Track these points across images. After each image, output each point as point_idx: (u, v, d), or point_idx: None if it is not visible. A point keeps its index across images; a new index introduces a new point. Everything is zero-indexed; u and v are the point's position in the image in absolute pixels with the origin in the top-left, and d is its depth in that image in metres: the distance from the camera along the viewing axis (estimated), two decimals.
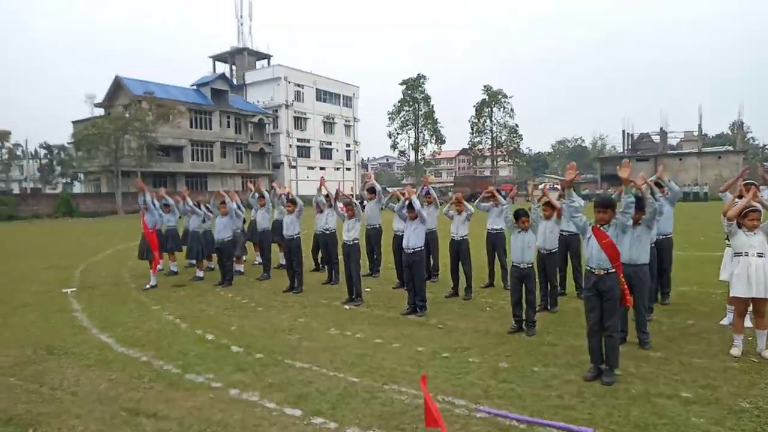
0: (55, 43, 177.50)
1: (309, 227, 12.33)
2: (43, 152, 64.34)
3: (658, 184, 7.23)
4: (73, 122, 53.27)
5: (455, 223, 8.80)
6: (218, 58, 68.43)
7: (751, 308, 5.56)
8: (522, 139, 69.76)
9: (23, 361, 5.86)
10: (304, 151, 65.01)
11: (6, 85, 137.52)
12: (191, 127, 52.62)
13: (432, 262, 10.13)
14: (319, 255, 11.32)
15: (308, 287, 9.71)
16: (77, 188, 57.19)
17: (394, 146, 68.44)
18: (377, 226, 10.71)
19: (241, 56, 66.62)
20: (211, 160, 54.76)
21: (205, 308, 8.32)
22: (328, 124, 68.26)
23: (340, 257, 9.11)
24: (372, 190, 10.54)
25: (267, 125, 60.54)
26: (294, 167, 62.92)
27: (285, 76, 62.07)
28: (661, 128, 61.07)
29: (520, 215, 6.58)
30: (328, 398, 4.61)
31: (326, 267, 10.70)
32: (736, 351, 5.43)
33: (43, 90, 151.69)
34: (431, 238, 9.57)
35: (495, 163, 71.71)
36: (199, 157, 53.82)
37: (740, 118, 63.79)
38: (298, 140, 64.15)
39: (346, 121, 70.70)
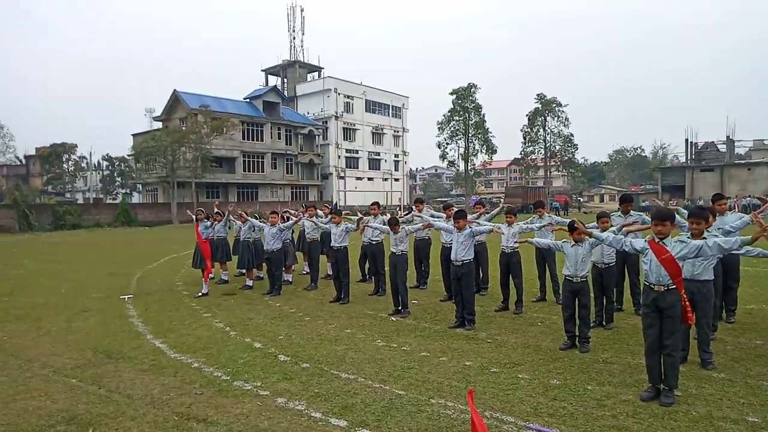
0: (118, 60, 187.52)
1: (357, 238, 12.40)
2: (105, 164, 67.97)
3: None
4: (133, 135, 55.97)
5: (505, 235, 8.63)
6: (270, 71, 70.38)
7: None
8: (577, 148, 67.94)
9: (84, 364, 6.13)
10: (352, 162, 65.70)
11: (71, 101, 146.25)
12: (243, 138, 54.18)
13: (481, 274, 9.96)
14: (366, 266, 11.35)
15: (355, 298, 9.73)
16: (135, 198, 59.95)
17: (443, 156, 68.07)
18: (426, 237, 10.63)
19: (293, 69, 68.27)
20: (262, 171, 56.15)
21: (253, 317, 8.47)
22: (377, 135, 68.77)
23: (387, 268, 9.09)
24: (419, 201, 10.51)
25: (317, 136, 61.61)
26: (342, 178, 63.67)
27: (335, 87, 63.12)
28: (728, 136, 58.15)
29: (573, 227, 6.37)
30: (373, 410, 4.58)
31: (373, 278, 10.70)
32: None
33: (106, 105, 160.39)
34: (480, 249, 9.42)
35: (548, 173, 70.13)
36: (251, 168, 55.30)
37: None
38: (347, 151, 64.92)
39: (394, 131, 71.04)
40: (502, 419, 4.35)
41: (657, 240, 4.75)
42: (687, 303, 4.75)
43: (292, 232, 12.47)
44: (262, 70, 70.54)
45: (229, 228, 11.69)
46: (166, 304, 9.63)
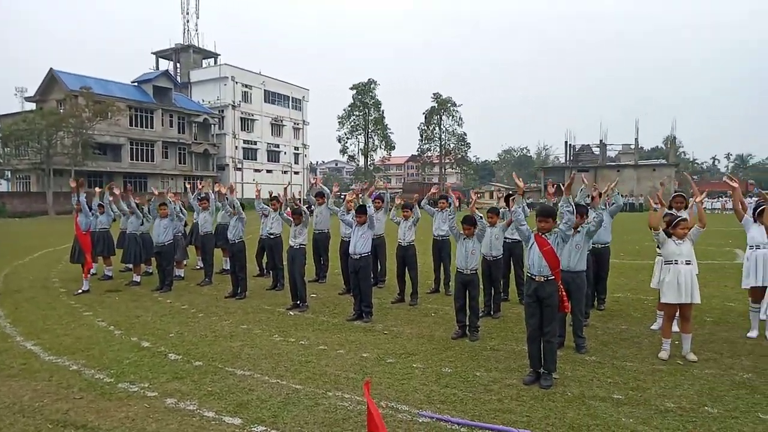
0: None
1: (254, 231, 12.12)
2: None
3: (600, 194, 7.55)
4: None
5: (402, 229, 8.86)
6: (162, 54, 66.39)
7: (678, 313, 5.87)
8: (470, 147, 71.33)
9: None
10: (250, 154, 63.89)
11: None
12: (131, 125, 50.71)
13: (379, 267, 10.15)
14: (264, 260, 11.12)
15: (252, 293, 9.51)
16: (3, 187, 53.89)
17: (343, 151, 68.33)
18: (326, 231, 10.62)
19: (186, 54, 64.91)
20: (152, 160, 52.94)
21: (141, 314, 7.99)
22: (277, 126, 67.39)
23: (286, 262, 8.98)
24: (320, 195, 10.45)
25: (212, 126, 59.14)
26: (240, 169, 61.70)
27: (232, 75, 60.92)
28: (601, 140, 63.76)
29: (466, 222, 6.68)
30: (270, 406, 4.52)
31: (271, 272, 10.52)
32: (664, 354, 5.71)
33: None
34: (378, 243, 9.60)
35: (443, 170, 72.77)
36: (139, 156, 51.93)
37: (673, 133, 67.37)
38: (245, 142, 63.00)
39: (295, 123, 70.04)
40: (397, 408, 4.48)
41: (541, 234, 5.12)
42: (563, 293, 5.18)
43: (185, 224, 11.91)
44: (152, 53, 66.41)
45: (146, 221, 10.69)
46: (40, 303, 8.79)
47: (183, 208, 10.88)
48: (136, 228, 10.80)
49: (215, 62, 66.36)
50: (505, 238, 8.01)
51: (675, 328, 6.07)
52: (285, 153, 68.50)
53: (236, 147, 61.56)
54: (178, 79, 62.50)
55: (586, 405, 4.51)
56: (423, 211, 9.25)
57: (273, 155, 66.92)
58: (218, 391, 4.87)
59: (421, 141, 70.12)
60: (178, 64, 65.90)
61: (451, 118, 69.00)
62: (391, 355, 5.95)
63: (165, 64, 65.85)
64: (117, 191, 10.93)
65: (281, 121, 67.69)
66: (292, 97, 69.58)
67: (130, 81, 54.82)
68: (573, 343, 6.07)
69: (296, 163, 70.31)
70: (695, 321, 6.50)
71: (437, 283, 9.66)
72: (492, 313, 7.75)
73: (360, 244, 7.62)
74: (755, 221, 6.47)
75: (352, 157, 69.21)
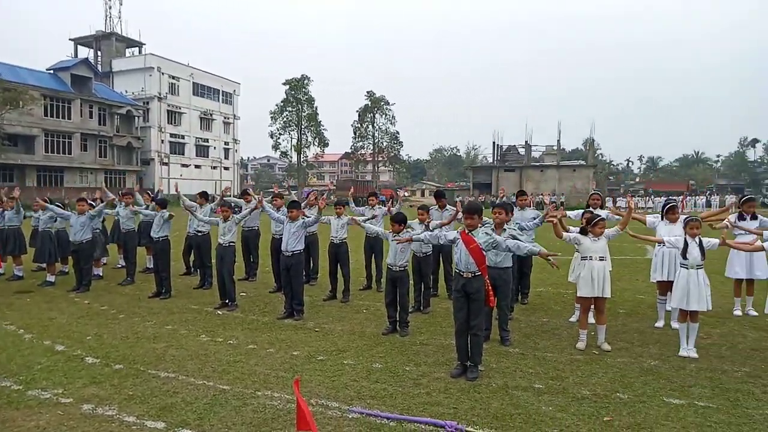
0: None
1: (180, 228, 11.70)
2: None
3: (523, 192, 7.89)
4: None
5: (335, 227, 8.85)
6: (81, 41, 62.56)
7: (593, 306, 6.23)
8: (402, 145, 72.09)
9: None
10: (177, 148, 61.46)
11: None
12: (45, 115, 47.43)
13: (312, 264, 10.09)
14: (191, 258, 10.76)
15: (177, 292, 9.17)
16: None
17: (276, 147, 67.15)
18: (255, 228, 10.43)
19: (108, 42, 61.49)
20: (69, 153, 49.76)
21: (55, 316, 7.52)
22: (206, 120, 65.25)
23: (214, 260, 8.74)
24: (247, 192, 10.26)
25: (136, 118, 56.39)
26: (166, 164, 59.25)
27: (158, 66, 58.33)
28: (527, 141, 66.37)
29: (396, 220, 6.76)
30: (195, 408, 4.39)
31: (198, 271, 10.20)
32: (581, 345, 6.05)
33: None
34: (311, 240, 9.53)
35: (376, 168, 73.20)
36: (55, 149, 48.68)
37: (592, 135, 71.20)
38: (172, 136, 60.53)
39: (225, 118, 68.08)
40: (327, 405, 4.48)
41: (467, 231, 5.28)
42: (490, 288, 5.36)
43: (104, 220, 11.32)
44: (70, 39, 62.29)
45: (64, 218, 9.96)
46: None
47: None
48: (49, 225, 10.14)
49: (140, 51, 63.26)
50: None
51: (591, 319, 6.45)
52: (215, 148, 66.45)
53: (162, 141, 59.03)
54: (99, 68, 59.10)
55: (509, 395, 4.70)
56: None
57: (202, 150, 64.74)
58: (140, 394, 4.68)
59: (355, 139, 70.21)
60: (99, 53, 62.29)
61: (384, 116, 69.53)
62: (321, 352, 5.94)
63: (85, 52, 62.09)
64: (17, 194, 10.25)
65: (211, 114, 65.60)
66: (223, 91, 67.58)
67: (45, 69, 51.18)
68: (498, 336, 6.30)
69: (226, 158, 68.41)
70: (609, 313, 6.92)
71: (369, 279, 9.72)
72: (422, 308, 7.90)
73: (292, 241, 7.54)
74: (662, 218, 6.97)
75: (284, 154, 68.15)
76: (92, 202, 10.32)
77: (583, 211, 7.06)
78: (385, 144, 70.48)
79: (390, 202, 8.86)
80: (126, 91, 57.83)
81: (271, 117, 66.03)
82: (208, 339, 6.46)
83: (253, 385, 4.92)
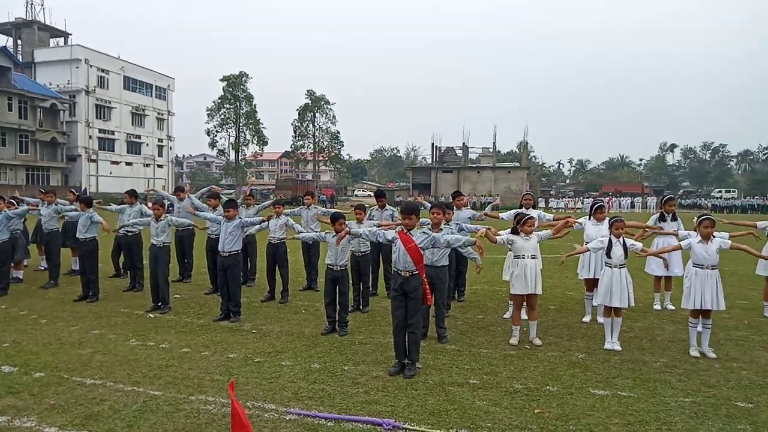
0: None
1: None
2: None
3: (459, 193, 8.09)
4: None
5: (272, 227, 8.72)
6: None
7: (525, 302, 6.46)
8: (343, 145, 71.82)
9: None
10: (107, 144, 58.50)
11: None
12: None
13: (249, 265, 9.90)
14: (121, 259, 10.30)
15: (106, 295, 8.76)
16: None
17: (212, 144, 65.30)
18: (190, 228, 10.11)
19: (30, 30, 57.65)
20: None
21: None
22: (138, 116, 62.49)
23: (146, 261, 8.40)
24: (180, 189, 9.93)
25: (62, 112, 53.19)
26: (94, 161, 56.28)
27: (86, 58, 55.26)
28: (464, 143, 67.84)
29: (336, 219, 6.75)
30: (124, 416, 4.21)
31: (129, 272, 9.78)
32: (514, 340, 6.27)
33: None
34: (248, 241, 9.35)
35: (317, 167, 72.67)
36: None
37: (525, 138, 73.74)
38: (101, 131, 57.55)
39: (159, 114, 65.46)
40: (263, 407, 4.42)
41: (405, 231, 5.35)
42: (427, 286, 5.46)
43: (25, 220, 10.63)
44: None
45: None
46: None
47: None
48: None
49: (65, 42, 59.72)
50: None
51: (524, 315, 6.69)
52: (147, 145, 63.73)
53: (90, 136, 55.99)
54: (20, 58, 55.35)
55: (445, 391, 4.80)
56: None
57: (133, 147, 61.95)
58: (63, 403, 4.44)
59: (295, 138, 69.37)
60: (19, 41, 58.33)
61: (324, 115, 69.07)
62: (259, 354, 5.84)
63: (3, 40, 58.00)
64: None
65: (143, 110, 62.87)
66: (156, 86, 64.93)
67: None
68: (436, 334, 6.42)
69: (160, 155, 65.77)
70: (541, 309, 7.20)
71: (309, 280, 9.65)
72: (361, 307, 7.93)
73: (229, 241, 7.38)
74: (590, 218, 7.33)
75: (222, 152, 66.37)
76: (11, 200, 9.68)
77: (515, 212, 7.30)
78: (325, 143, 70.02)
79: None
80: (50, 84, 54.39)
81: (208, 114, 64.19)
82: (138, 343, 6.21)
83: (187, 389, 4.78)
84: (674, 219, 7.94)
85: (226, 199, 8.39)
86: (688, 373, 5.31)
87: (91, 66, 55.76)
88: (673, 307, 7.96)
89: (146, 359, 5.62)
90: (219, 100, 63.86)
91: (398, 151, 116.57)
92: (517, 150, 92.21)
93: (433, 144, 68.07)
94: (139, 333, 6.65)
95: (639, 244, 6.22)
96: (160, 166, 65.08)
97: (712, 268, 5.83)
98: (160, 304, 7.88)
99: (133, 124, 61.88)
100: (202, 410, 4.34)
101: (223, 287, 7.47)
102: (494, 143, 68.02)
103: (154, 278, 7.92)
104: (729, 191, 50.11)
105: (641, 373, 5.31)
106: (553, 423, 4.17)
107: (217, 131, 64.30)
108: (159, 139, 65.70)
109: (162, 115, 66.09)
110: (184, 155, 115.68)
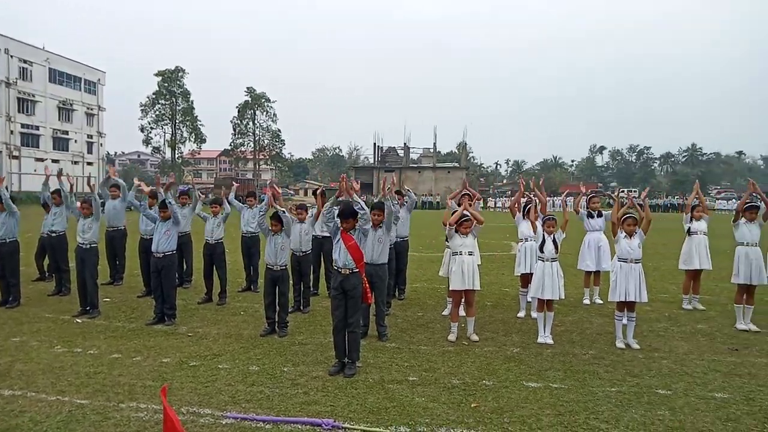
0: None
1: (33, 230, 10.54)
2: None
3: (400, 192, 8.15)
4: None
5: (210, 225, 8.50)
6: None
7: (463, 299, 6.61)
8: (284, 144, 70.83)
9: None
10: (31, 140, 55.04)
11: None
12: None
13: (185, 266, 9.59)
14: (45, 261, 9.73)
15: (28, 300, 8.25)
16: None
17: (147, 142, 62.80)
18: (121, 228, 9.68)
19: None
20: None
21: None
22: (65, 111, 59.16)
23: (73, 263, 7.98)
24: (116, 187, 9.48)
25: None
26: (16, 158, 52.79)
27: (5, 48, 51.74)
28: (405, 144, 68.54)
29: (274, 219, 6.66)
30: (46, 427, 3.98)
31: (54, 276, 9.25)
32: (452, 336, 6.41)
33: None
34: (184, 241, 9.06)
35: (257, 166, 71.31)
36: None
37: (464, 139, 75.27)
38: (23, 126, 54.07)
39: (88, 108, 62.23)
40: (199, 413, 4.30)
41: (346, 231, 5.36)
42: (367, 285, 5.49)
43: None
44: None
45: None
46: None
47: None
48: None
49: None
50: (314, 234, 8.17)
51: (462, 312, 6.83)
52: (76, 141, 60.44)
53: (12, 132, 52.47)
54: None
55: (384, 389, 4.84)
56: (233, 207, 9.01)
57: (61, 143, 58.59)
58: None
59: (234, 135, 67.78)
60: None
61: (265, 113, 67.89)
62: (194, 357, 5.68)
63: None
64: None
65: (71, 104, 59.58)
66: (85, 79, 61.67)
67: None
68: (376, 332, 6.46)
69: (90, 152, 62.53)
70: (478, 305, 7.39)
71: (249, 281, 9.46)
72: (302, 307, 7.86)
73: (163, 241, 7.13)
74: (524, 218, 7.59)
75: (157, 149, 63.93)
76: None
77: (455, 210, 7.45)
78: (266, 142, 68.84)
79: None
80: None
81: (142, 110, 61.75)
82: (64, 350, 5.89)
83: (117, 397, 4.58)
84: (599, 216, 8.37)
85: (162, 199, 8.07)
86: (614, 364, 5.60)
87: (11, 56, 52.30)
88: (602, 302, 8.36)
89: (72, 367, 5.34)
90: (154, 96, 61.55)
91: (341, 150, 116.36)
92: (456, 150, 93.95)
93: (375, 144, 68.40)
94: (65, 339, 6.31)
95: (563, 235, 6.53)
96: (89, 163, 61.86)
97: (636, 262, 6.17)
98: (88, 308, 7.51)
99: (60, 119, 58.57)
100: (133, 418, 4.18)
101: (157, 289, 7.21)
102: (434, 144, 69.14)
103: (82, 281, 7.54)
104: (631, 191, 54.15)
105: (571, 365, 5.55)
106: (489, 416, 4.29)
107: (151, 128, 61.98)
108: (89, 135, 62.50)
109: (92, 110, 62.91)
110: (116, 152, 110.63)
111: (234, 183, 9.16)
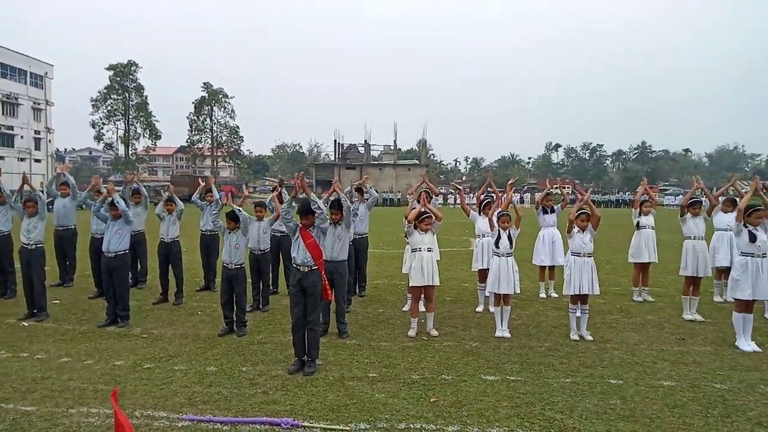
0: None
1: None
2: None
3: (360, 189, 8.13)
4: None
5: (165, 224, 8.28)
6: None
7: (423, 294, 6.66)
8: (243, 140, 69.61)
9: None
10: None
11: None
12: None
13: (139, 266, 9.32)
14: None
15: None
16: None
17: (98, 138, 60.59)
18: (71, 227, 9.32)
19: None
20: None
21: None
22: (9, 105, 56.44)
23: (18, 264, 7.63)
24: (65, 185, 9.11)
25: None
26: None
27: None
28: (366, 141, 68.49)
29: (230, 217, 6.55)
30: None
31: None
32: (412, 332, 6.45)
33: None
34: (137, 240, 8.81)
35: (215, 163, 69.86)
36: None
37: (424, 136, 75.75)
38: None
39: (35, 103, 59.54)
40: (153, 416, 4.19)
41: (305, 228, 5.32)
42: (326, 282, 5.46)
43: None
44: None
45: None
46: None
47: None
48: None
49: None
50: (273, 232, 8.08)
51: (422, 308, 6.88)
52: (22, 137, 57.75)
53: None
54: None
55: (345, 386, 4.83)
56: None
57: (5, 139, 55.87)
58: None
59: (191, 132, 66.18)
60: None
61: (223, 109, 66.55)
62: (149, 359, 5.53)
63: None
64: None
65: (16, 98, 56.87)
66: (31, 72, 58.95)
67: None
68: (336, 329, 6.44)
69: (37, 149, 59.87)
70: (438, 301, 7.46)
71: (207, 279, 9.27)
72: (261, 306, 7.76)
73: (115, 240, 6.90)
74: (480, 214, 7.70)
75: (109, 146, 61.76)
76: None
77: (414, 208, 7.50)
78: (224, 138, 67.48)
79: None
80: None
81: (93, 105, 59.50)
82: (9, 355, 5.65)
83: (66, 402, 4.42)
84: (553, 211, 8.58)
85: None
86: (568, 356, 5.76)
87: None
88: (557, 295, 8.58)
89: (18, 372, 5.12)
90: (105, 90, 59.44)
91: (301, 147, 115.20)
92: (416, 148, 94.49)
93: (335, 141, 68.06)
94: (10, 344, 6.04)
95: (516, 231, 6.65)
96: (37, 160, 59.29)
97: (588, 256, 6.36)
98: (35, 310, 7.21)
99: (4, 114, 55.85)
100: (83, 423, 4.04)
101: (109, 290, 6.97)
102: (395, 141, 69.32)
103: (28, 282, 7.24)
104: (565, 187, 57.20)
105: (528, 358, 5.68)
106: (448, 410, 4.34)
107: (103, 123, 59.83)
108: (36, 131, 59.85)
109: (39, 104, 60.27)
110: (66, 149, 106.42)
111: (201, 181, 8.92)
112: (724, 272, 8.08)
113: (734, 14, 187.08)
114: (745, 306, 6.03)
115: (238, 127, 68.01)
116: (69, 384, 4.83)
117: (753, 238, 5.99)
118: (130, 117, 60.24)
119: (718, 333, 6.63)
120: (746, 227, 6.08)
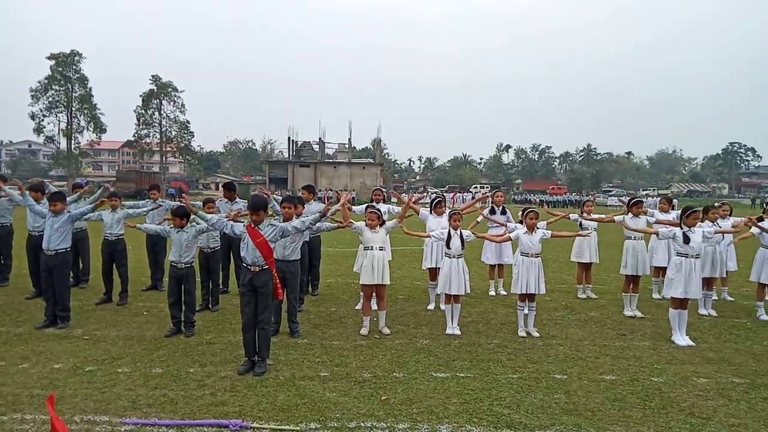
0: None
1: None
2: None
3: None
4: None
5: (109, 221, 7.97)
6: None
7: (375, 293, 6.69)
8: (193, 136, 67.75)
9: None
10: None
11: None
12: None
13: (81, 265, 8.95)
14: None
15: None
16: None
17: (38, 130, 57.67)
18: (7, 224, 8.84)
19: None
20: None
21: None
22: None
23: None
24: (2, 179, 8.62)
25: None
26: None
27: None
28: (320, 138, 68.06)
29: (178, 214, 6.38)
30: None
31: None
32: (364, 331, 6.47)
33: None
34: (80, 237, 8.46)
35: (164, 158, 67.77)
36: None
37: (379, 135, 76.01)
38: None
39: None
40: (94, 420, 4.04)
41: (253, 226, 5.23)
42: (278, 281, 5.40)
43: None
44: None
45: None
46: None
47: None
48: None
49: None
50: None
51: (374, 306, 6.91)
52: None
53: None
54: None
55: (296, 386, 4.80)
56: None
57: None
58: None
59: (139, 126, 63.92)
60: None
61: (172, 103, 64.59)
62: (91, 362, 5.32)
63: None
64: None
65: None
66: None
67: None
68: (288, 329, 6.37)
69: None
70: (390, 299, 7.51)
71: (153, 279, 8.99)
72: (210, 306, 7.60)
73: (55, 238, 6.60)
74: (431, 212, 7.80)
75: (50, 139, 58.89)
76: None
77: (366, 205, 7.53)
78: (173, 133, 65.51)
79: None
80: None
81: (32, 96, 56.58)
82: None
83: None
84: (503, 212, 8.78)
85: (55, 190, 7.49)
86: (516, 352, 5.91)
87: None
88: (506, 293, 8.78)
89: None
90: (46, 81, 56.63)
91: (254, 143, 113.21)
92: (371, 147, 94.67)
93: (289, 138, 67.28)
94: None
95: (473, 237, 6.74)
96: None
97: (536, 256, 6.54)
98: None
99: None
100: (17, 430, 3.84)
101: (48, 290, 6.66)
102: (350, 139, 69.20)
103: None
104: (483, 186, 58.80)
105: (477, 355, 5.79)
106: (399, 408, 4.38)
107: (44, 115, 57.01)
108: None
109: None
110: (2, 141, 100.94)
111: (180, 184, 8.63)
112: (661, 271, 8.47)
113: (676, 24, 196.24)
114: (680, 303, 6.36)
115: (188, 121, 66.19)
116: (2, 389, 4.59)
117: (687, 240, 6.32)
118: (73, 109, 57.64)
119: (656, 328, 6.96)
120: (681, 228, 6.41)
